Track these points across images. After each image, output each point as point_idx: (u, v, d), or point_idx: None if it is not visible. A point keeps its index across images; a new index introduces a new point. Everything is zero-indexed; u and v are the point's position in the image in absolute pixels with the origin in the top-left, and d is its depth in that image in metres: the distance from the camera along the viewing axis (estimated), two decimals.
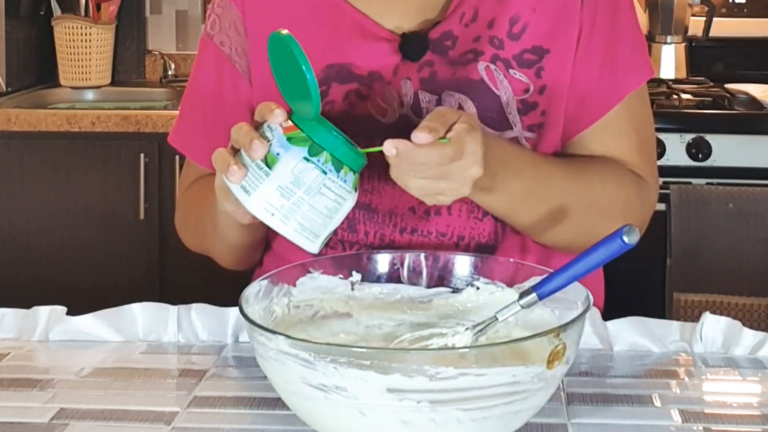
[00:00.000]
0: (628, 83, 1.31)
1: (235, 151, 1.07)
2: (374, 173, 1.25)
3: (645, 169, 1.32)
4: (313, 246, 1.06)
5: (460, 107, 1.26)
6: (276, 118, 1.04)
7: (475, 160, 1.07)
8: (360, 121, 1.27)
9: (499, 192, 1.18)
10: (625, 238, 0.96)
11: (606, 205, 1.27)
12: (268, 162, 1.03)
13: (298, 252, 1.21)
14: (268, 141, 1.04)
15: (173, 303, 1.25)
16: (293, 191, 1.03)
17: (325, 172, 1.03)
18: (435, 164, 1.05)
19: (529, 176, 1.20)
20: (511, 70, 1.26)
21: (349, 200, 1.06)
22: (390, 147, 1.04)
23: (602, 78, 1.29)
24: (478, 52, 1.27)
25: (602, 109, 1.30)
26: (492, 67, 1.26)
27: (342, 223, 1.16)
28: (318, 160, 1.03)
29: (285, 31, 1.02)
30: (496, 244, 1.28)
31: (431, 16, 1.30)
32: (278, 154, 1.03)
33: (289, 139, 1.03)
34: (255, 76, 1.34)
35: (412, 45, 1.28)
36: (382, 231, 1.28)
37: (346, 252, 1.28)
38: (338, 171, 1.04)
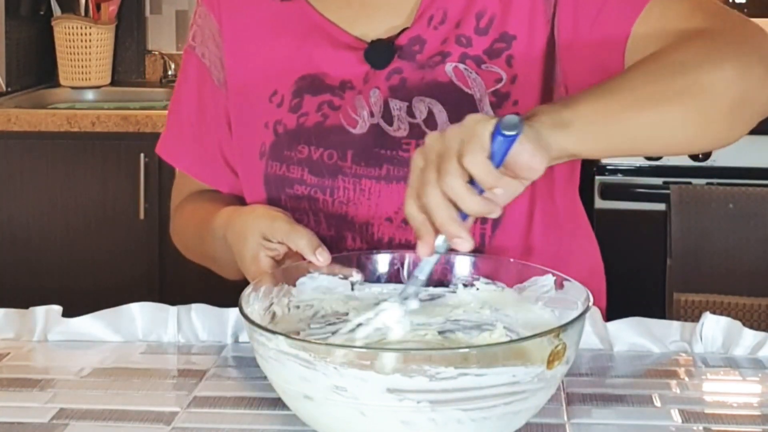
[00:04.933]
0: None
1: None
2: (349, 186, 1.25)
3: (713, 20, 1.14)
4: None
5: (430, 112, 1.23)
6: None
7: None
8: (332, 133, 1.26)
9: (577, 121, 0.99)
10: (505, 132, 0.90)
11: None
12: None
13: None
14: None
15: (173, 303, 1.25)
16: None
17: None
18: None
19: (594, 88, 1.03)
20: (483, 65, 1.23)
21: None
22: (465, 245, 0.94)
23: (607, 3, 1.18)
24: (446, 53, 1.24)
25: (625, 25, 1.16)
26: (461, 66, 1.24)
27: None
28: None
29: None
30: (481, 249, 1.24)
31: (400, 22, 1.28)
32: None
33: None
34: (229, 87, 1.34)
35: (377, 52, 1.26)
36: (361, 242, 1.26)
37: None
38: None
